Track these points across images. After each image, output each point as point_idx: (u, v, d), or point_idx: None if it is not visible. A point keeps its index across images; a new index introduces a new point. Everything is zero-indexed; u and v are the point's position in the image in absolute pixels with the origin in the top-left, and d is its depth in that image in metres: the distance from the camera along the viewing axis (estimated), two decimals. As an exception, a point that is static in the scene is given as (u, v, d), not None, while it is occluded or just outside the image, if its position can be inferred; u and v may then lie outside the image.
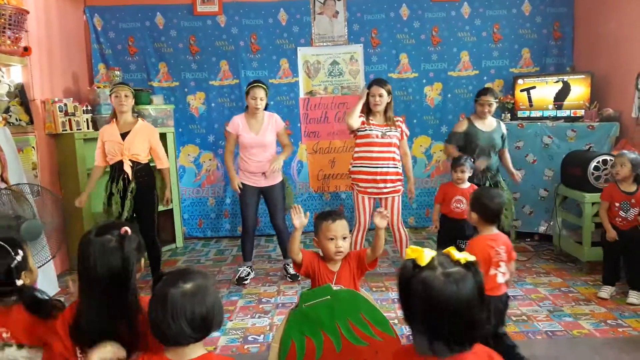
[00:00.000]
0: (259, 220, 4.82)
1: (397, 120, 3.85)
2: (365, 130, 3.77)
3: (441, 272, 1.15)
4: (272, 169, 3.84)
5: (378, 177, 3.76)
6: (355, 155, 3.88)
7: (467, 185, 3.76)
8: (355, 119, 3.75)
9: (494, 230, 2.51)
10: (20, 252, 1.74)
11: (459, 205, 3.75)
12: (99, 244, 1.57)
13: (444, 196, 3.81)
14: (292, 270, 4.03)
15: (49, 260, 2.81)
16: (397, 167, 3.82)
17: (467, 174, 3.72)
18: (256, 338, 3.06)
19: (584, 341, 2.88)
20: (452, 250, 1.20)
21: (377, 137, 3.73)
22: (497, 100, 4.08)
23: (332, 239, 2.20)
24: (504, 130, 4.12)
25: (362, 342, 1.96)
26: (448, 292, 1.12)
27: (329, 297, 2.03)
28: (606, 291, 3.50)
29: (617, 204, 3.44)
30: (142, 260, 1.73)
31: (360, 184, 3.83)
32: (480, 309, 1.14)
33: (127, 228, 1.62)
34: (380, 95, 3.71)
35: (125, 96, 3.72)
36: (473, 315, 1.13)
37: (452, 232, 3.78)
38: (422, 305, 1.14)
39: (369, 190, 3.81)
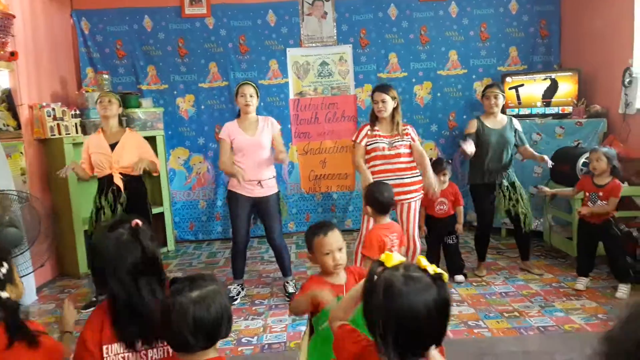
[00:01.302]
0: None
1: (405, 128, 3.51)
2: (371, 143, 3.47)
3: (402, 273, 1.15)
4: (281, 158, 3.51)
5: (397, 189, 3.31)
6: (370, 169, 3.50)
7: (446, 185, 3.88)
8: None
9: (386, 220, 2.84)
10: (5, 264, 1.71)
11: (442, 207, 3.88)
12: (113, 239, 1.58)
13: (426, 198, 3.81)
14: (291, 289, 3.75)
15: (39, 267, 2.79)
16: (411, 177, 3.47)
17: (449, 176, 3.91)
18: (250, 340, 3.05)
19: (575, 336, 2.90)
20: (421, 259, 1.19)
21: (383, 149, 3.42)
22: (504, 93, 3.96)
23: (327, 253, 2.04)
24: (518, 127, 3.92)
25: None
26: (403, 292, 1.10)
27: None
28: (582, 282, 3.58)
29: (587, 195, 3.55)
30: (158, 252, 1.73)
31: None
32: (436, 323, 1.12)
33: (137, 221, 1.63)
34: (384, 101, 3.41)
35: (109, 102, 3.64)
36: (426, 326, 1.11)
37: (439, 231, 3.91)
38: (379, 306, 1.13)
39: None
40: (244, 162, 3.56)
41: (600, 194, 3.46)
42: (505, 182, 3.86)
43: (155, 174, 3.76)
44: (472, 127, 3.90)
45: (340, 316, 1.42)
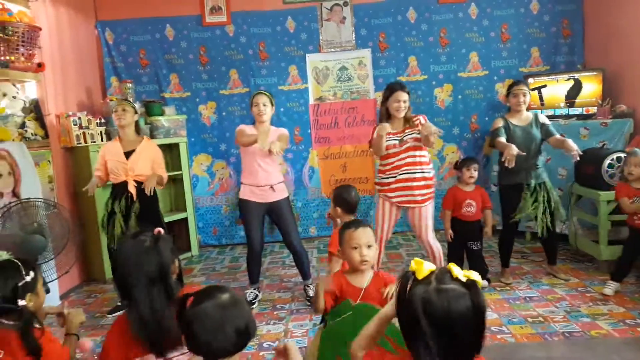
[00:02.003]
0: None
1: (417, 118, 3.50)
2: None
3: (435, 287, 1.12)
4: (272, 146, 3.39)
5: (401, 184, 3.48)
6: (380, 168, 3.63)
7: (473, 187, 3.80)
8: (382, 150, 3.47)
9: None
10: (32, 273, 1.77)
11: (469, 209, 3.76)
12: (134, 245, 1.63)
13: (454, 200, 3.79)
14: (311, 293, 3.73)
15: (64, 273, 2.86)
16: (424, 172, 3.47)
17: (476, 177, 3.79)
18: (271, 344, 3.07)
19: (602, 342, 2.84)
20: (452, 267, 1.17)
21: (394, 146, 3.47)
22: (530, 91, 3.87)
23: (355, 247, 2.06)
24: (545, 120, 3.77)
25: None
26: (439, 308, 1.09)
27: (350, 312, 1.97)
28: (611, 287, 3.49)
29: (632, 199, 3.41)
30: (177, 262, 1.77)
31: (386, 194, 3.55)
32: (474, 330, 1.11)
33: (160, 229, 1.69)
34: (405, 101, 3.45)
35: (123, 110, 3.66)
36: (465, 334, 1.10)
37: (464, 235, 3.80)
38: (415, 319, 1.11)
39: (393, 199, 3.52)
40: (256, 167, 3.64)
41: None
42: (533, 182, 3.72)
43: (160, 187, 3.76)
44: (498, 123, 3.79)
45: (364, 345, 1.39)
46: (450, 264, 1.19)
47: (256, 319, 3.41)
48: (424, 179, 3.48)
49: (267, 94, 3.72)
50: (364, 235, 2.07)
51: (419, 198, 3.46)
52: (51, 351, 1.72)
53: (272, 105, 3.70)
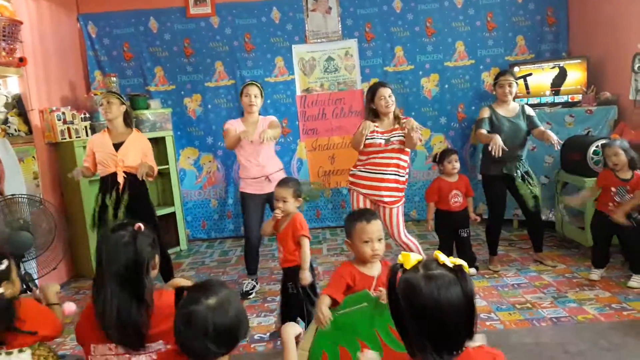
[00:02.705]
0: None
1: (403, 119, 3.47)
2: (369, 139, 3.42)
3: (423, 273, 1.14)
4: (262, 135, 3.45)
5: (377, 184, 3.44)
6: (358, 162, 3.58)
7: (457, 177, 3.83)
8: (361, 148, 3.46)
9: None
10: (5, 262, 1.78)
11: (457, 199, 3.79)
12: (114, 240, 1.62)
13: (439, 192, 3.81)
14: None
15: (52, 270, 2.83)
16: (399, 175, 3.45)
17: (458, 168, 3.82)
18: (262, 337, 3.08)
19: (589, 326, 2.88)
20: (438, 254, 1.18)
21: (380, 145, 3.41)
22: (517, 81, 3.87)
23: (367, 241, 2.05)
24: (530, 112, 3.81)
25: (404, 347, 1.89)
26: (427, 293, 1.10)
27: (365, 304, 1.95)
28: (597, 273, 3.55)
29: (613, 189, 3.45)
30: (157, 257, 1.76)
31: (359, 188, 3.53)
32: (465, 316, 1.12)
33: (140, 224, 1.67)
34: (390, 95, 3.41)
35: (108, 102, 3.58)
36: (455, 320, 1.11)
37: (454, 224, 3.83)
38: (404, 308, 1.12)
39: (366, 195, 3.50)
40: (248, 160, 3.68)
41: (628, 187, 3.38)
42: (519, 172, 3.76)
43: (150, 179, 3.72)
44: (484, 113, 3.81)
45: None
46: (436, 251, 1.20)
47: (247, 312, 3.42)
48: (397, 181, 3.44)
49: (258, 84, 3.74)
50: (376, 229, 2.07)
51: (386, 199, 3.42)
52: (33, 311, 1.76)
53: (262, 96, 3.74)
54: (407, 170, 3.56)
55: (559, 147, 3.62)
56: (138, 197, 3.61)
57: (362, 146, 3.43)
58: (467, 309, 1.12)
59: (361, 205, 3.51)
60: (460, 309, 1.10)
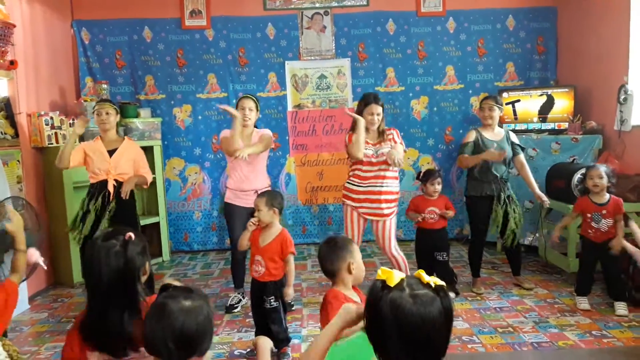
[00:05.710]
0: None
1: (390, 133, 3.62)
2: None
3: (409, 293, 1.13)
4: (242, 155, 3.39)
5: (369, 197, 3.55)
6: (350, 173, 3.68)
7: (437, 197, 3.86)
8: (361, 151, 3.50)
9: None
10: None
11: (432, 215, 3.81)
12: (104, 249, 1.61)
13: (415, 209, 3.86)
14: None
15: (28, 277, 2.78)
16: (390, 187, 3.58)
17: (440, 187, 3.86)
18: (242, 352, 3.04)
19: (569, 352, 2.89)
20: (422, 273, 1.18)
21: (371, 156, 3.54)
22: (499, 106, 3.91)
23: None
24: (513, 139, 3.92)
25: None
26: (415, 313, 1.10)
27: (360, 333, 1.95)
28: (585, 301, 3.54)
29: (589, 215, 3.49)
30: (147, 264, 1.75)
31: (351, 202, 3.62)
32: (444, 334, 1.13)
33: (130, 233, 1.66)
34: (378, 114, 3.54)
35: (107, 114, 3.60)
36: (437, 338, 1.12)
37: (429, 244, 3.84)
38: (388, 326, 1.11)
39: (359, 209, 3.60)
40: (239, 171, 3.67)
41: (604, 212, 3.41)
42: (502, 195, 3.82)
43: (145, 187, 3.74)
44: (470, 136, 3.90)
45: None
46: (419, 270, 1.21)
47: (228, 326, 3.39)
48: (391, 192, 3.58)
49: (254, 98, 3.72)
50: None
51: (385, 211, 3.56)
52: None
53: (257, 110, 3.71)
54: (398, 181, 3.70)
55: (547, 204, 3.91)
56: (125, 207, 3.59)
57: (362, 151, 3.50)
58: (447, 327, 1.13)
59: (355, 221, 3.64)
60: (441, 328, 1.11)
